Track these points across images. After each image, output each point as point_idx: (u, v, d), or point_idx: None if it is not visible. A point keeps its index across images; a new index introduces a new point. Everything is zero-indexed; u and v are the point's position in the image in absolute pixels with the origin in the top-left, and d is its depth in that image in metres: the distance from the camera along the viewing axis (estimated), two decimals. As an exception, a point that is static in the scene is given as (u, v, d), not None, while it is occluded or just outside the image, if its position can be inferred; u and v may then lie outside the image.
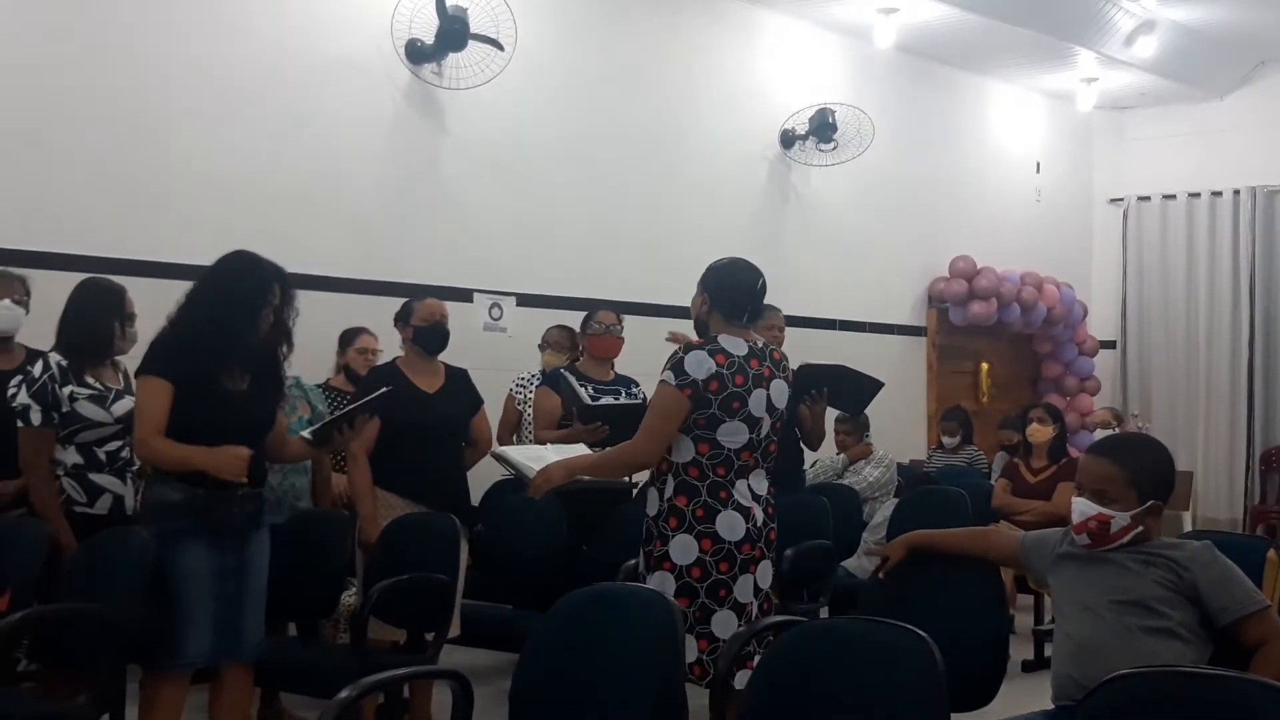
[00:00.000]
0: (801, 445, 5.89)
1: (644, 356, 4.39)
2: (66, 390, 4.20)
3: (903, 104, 9.41)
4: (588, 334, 5.67)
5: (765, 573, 3.83)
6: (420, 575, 4.30)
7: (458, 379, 5.03)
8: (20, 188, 5.59)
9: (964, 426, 8.31)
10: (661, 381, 3.75)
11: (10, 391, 4.21)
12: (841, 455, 7.24)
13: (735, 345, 3.78)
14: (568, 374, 5.43)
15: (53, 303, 4.50)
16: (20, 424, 4.18)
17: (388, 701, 4.24)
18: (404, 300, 5.11)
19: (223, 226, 5.73)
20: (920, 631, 2.48)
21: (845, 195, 9.00)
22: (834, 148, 8.57)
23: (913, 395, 9.66)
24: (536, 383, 6.12)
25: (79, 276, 4.57)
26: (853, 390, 5.80)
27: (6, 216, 5.52)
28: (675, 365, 3.72)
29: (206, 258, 4.01)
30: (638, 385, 5.64)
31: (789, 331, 5.84)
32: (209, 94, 6.17)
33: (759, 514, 3.79)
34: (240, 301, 3.83)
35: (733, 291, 3.88)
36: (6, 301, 4.54)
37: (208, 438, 3.76)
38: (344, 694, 2.63)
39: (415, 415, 4.78)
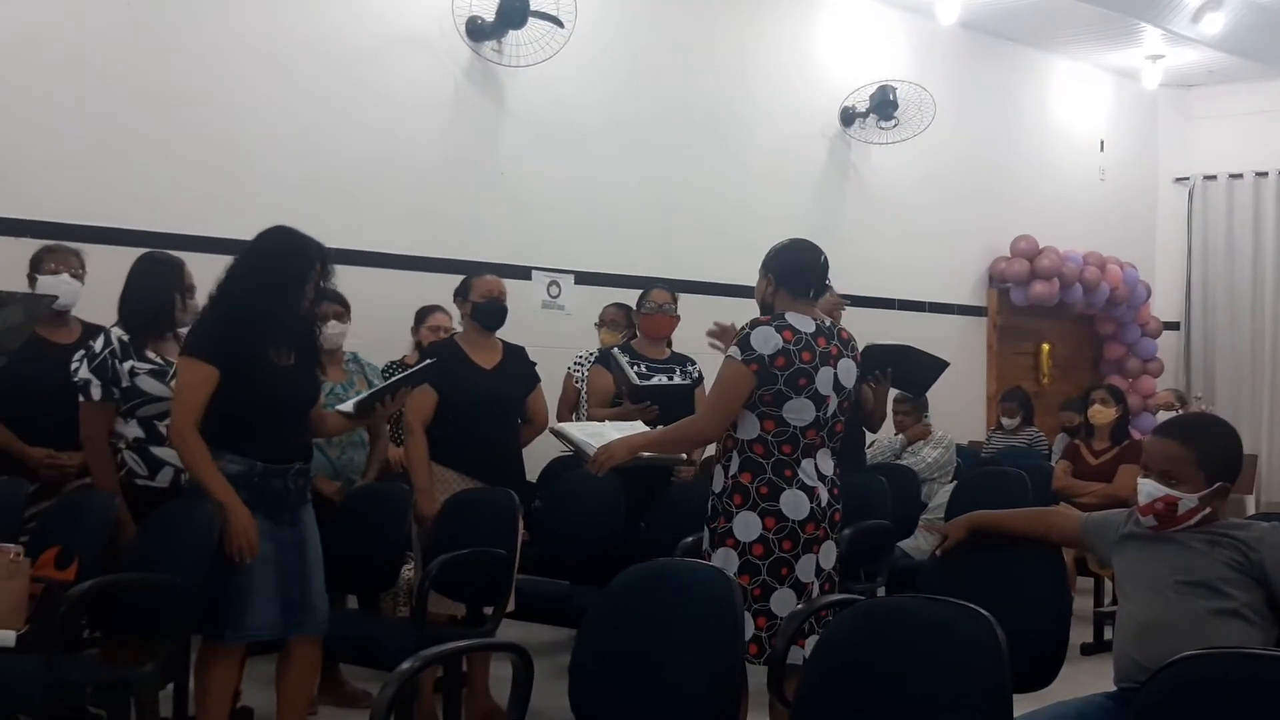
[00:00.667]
0: (862, 426, 5.86)
1: (702, 335, 4.39)
2: (127, 365, 4.24)
3: (965, 81, 9.31)
4: (641, 313, 5.64)
5: (829, 553, 3.81)
6: (479, 550, 4.33)
7: (515, 355, 5.05)
8: (77, 163, 5.67)
9: (1024, 408, 8.23)
10: (727, 357, 3.73)
11: (73, 366, 4.27)
12: (900, 436, 7.20)
13: (802, 322, 3.75)
14: (619, 353, 5.42)
15: (108, 277, 4.56)
16: (81, 398, 4.24)
17: (446, 674, 4.28)
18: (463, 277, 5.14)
19: (282, 204, 5.76)
20: (982, 610, 2.45)
21: (906, 174, 8.92)
22: (895, 125, 8.49)
23: (972, 376, 9.58)
24: (593, 360, 6.13)
25: (136, 251, 4.63)
26: (917, 371, 5.77)
27: (63, 192, 5.60)
28: (742, 341, 3.70)
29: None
30: (694, 363, 5.62)
31: (847, 311, 5.80)
32: (269, 73, 6.21)
33: (824, 494, 3.77)
34: (282, 277, 3.84)
35: (797, 268, 3.87)
36: (65, 275, 4.59)
37: (259, 416, 3.80)
38: (405, 666, 2.65)
39: (473, 391, 4.81)
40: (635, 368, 5.29)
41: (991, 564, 3.33)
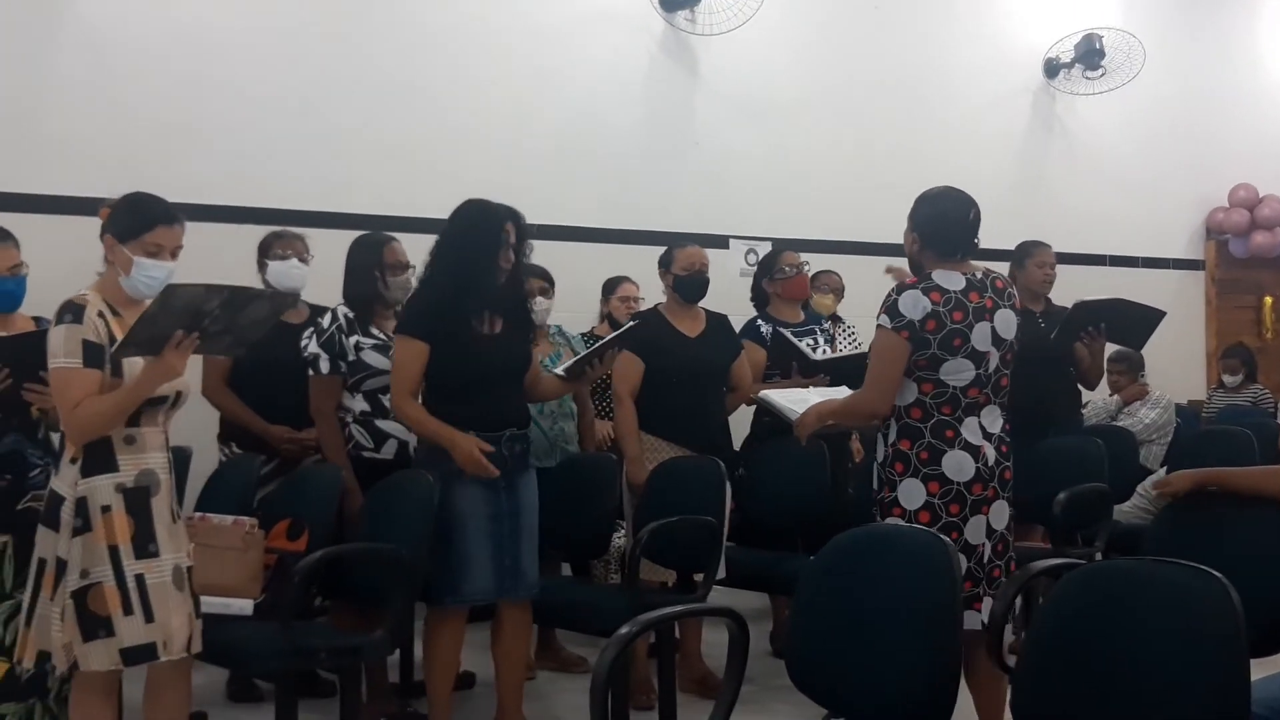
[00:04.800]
0: (1078, 385, 5.68)
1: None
2: (352, 340, 4.42)
3: (1174, 23, 8.91)
4: (778, 278, 5.44)
5: (1000, 513, 3.65)
6: (689, 517, 4.35)
7: (718, 324, 5.06)
8: (296, 152, 5.91)
9: (1247, 364, 7.88)
10: (879, 326, 3.60)
11: (302, 342, 4.47)
12: (1116, 397, 6.96)
13: (951, 280, 3.58)
14: (764, 324, 5.32)
15: (325, 260, 4.74)
16: (310, 372, 4.43)
17: (660, 640, 4.33)
18: (663, 249, 5.16)
19: (484, 183, 5.87)
20: (1215, 572, 2.35)
21: (1114, 124, 8.60)
22: (1101, 75, 8.21)
23: (1190, 333, 9.18)
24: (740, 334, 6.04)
25: (354, 234, 4.80)
26: (1133, 323, 5.54)
27: (285, 180, 5.85)
28: (890, 308, 3.56)
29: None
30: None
31: (1058, 269, 5.64)
32: (468, 53, 6.37)
33: (991, 452, 3.61)
34: (478, 247, 3.94)
35: (943, 225, 3.67)
36: (294, 260, 4.81)
37: (470, 384, 3.92)
38: (623, 630, 2.67)
39: (678, 360, 4.84)
40: (805, 342, 5.21)
41: (1219, 525, 3.19)
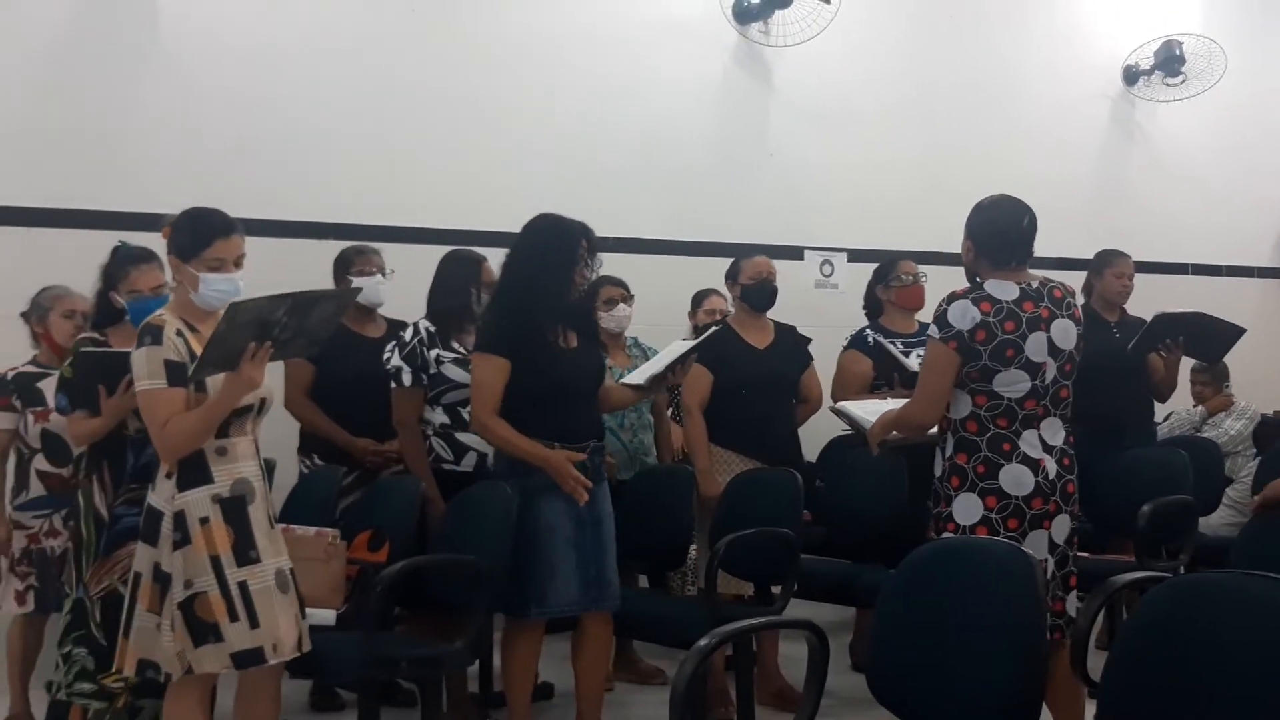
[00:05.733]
0: (1150, 398, 5.60)
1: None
2: (434, 353, 4.48)
3: (1254, 29, 8.72)
4: (892, 286, 5.42)
5: (1062, 527, 3.57)
6: (764, 529, 4.35)
7: (787, 335, 5.06)
8: (366, 168, 5.99)
9: (1336, 374, 7.69)
10: (928, 337, 3.55)
11: (385, 355, 4.53)
12: (1199, 407, 6.84)
13: (1004, 290, 3.51)
14: (875, 335, 5.27)
15: (404, 275, 4.80)
16: (393, 384, 4.49)
17: (738, 653, 4.32)
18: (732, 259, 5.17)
19: (561, 196, 5.90)
20: (1309, 586, 2.30)
21: (1196, 131, 8.44)
22: (1182, 81, 8.07)
23: (1275, 342, 8.99)
24: (846, 345, 5.98)
25: (430, 249, 4.86)
26: (1211, 338, 5.46)
27: (355, 195, 5.93)
28: (939, 318, 3.50)
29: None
30: None
31: (1139, 279, 5.56)
32: (540, 68, 6.42)
33: (1051, 465, 3.53)
34: (552, 261, 3.96)
35: (997, 234, 3.59)
36: (378, 276, 4.89)
37: (550, 397, 3.94)
38: (703, 642, 2.68)
39: (748, 371, 4.84)
40: (892, 345, 5.18)
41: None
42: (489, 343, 3.97)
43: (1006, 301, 3.49)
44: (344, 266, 4.94)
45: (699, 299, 6.02)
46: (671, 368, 4.15)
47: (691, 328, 6.05)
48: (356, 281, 4.84)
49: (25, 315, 4.67)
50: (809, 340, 5.25)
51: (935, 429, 3.66)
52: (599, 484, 4.04)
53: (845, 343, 5.44)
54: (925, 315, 5.45)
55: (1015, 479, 3.49)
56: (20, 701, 4.56)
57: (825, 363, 5.58)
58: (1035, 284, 3.58)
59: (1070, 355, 3.59)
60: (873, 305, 5.46)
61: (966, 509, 3.51)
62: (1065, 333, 3.56)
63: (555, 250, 3.97)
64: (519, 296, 3.97)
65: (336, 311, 3.37)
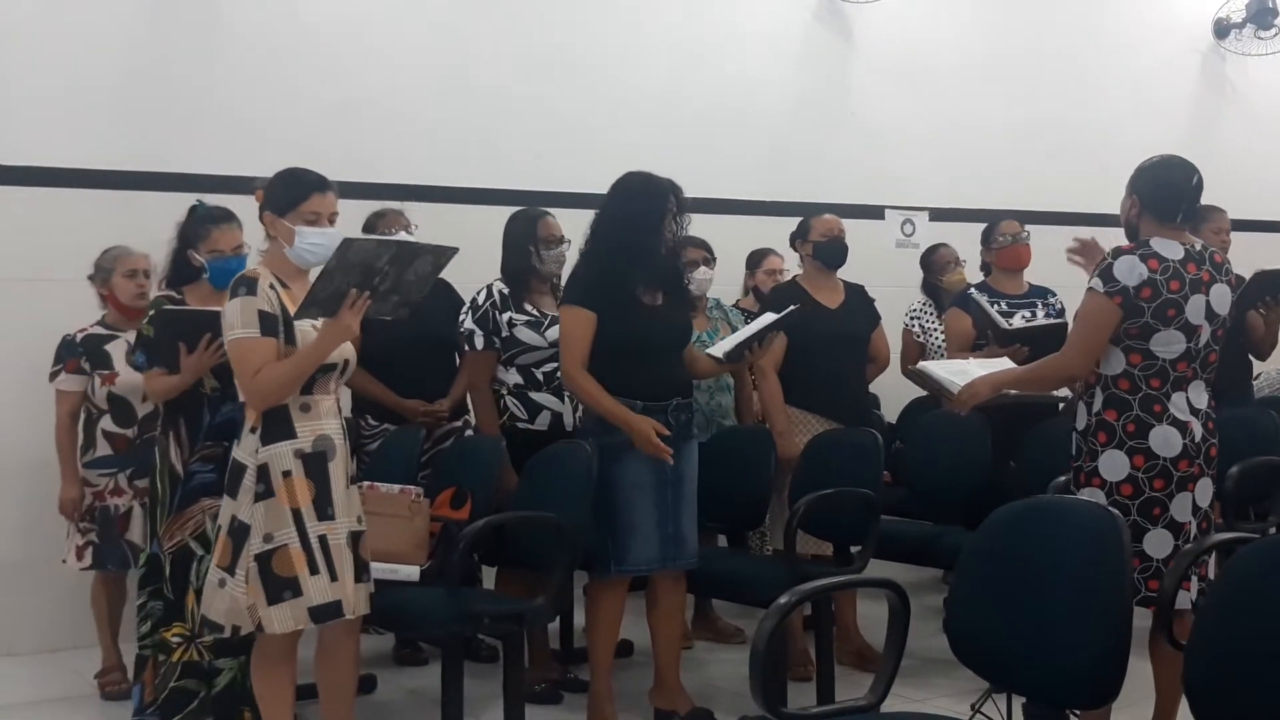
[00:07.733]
0: (1249, 356, 5.49)
1: (1060, 268, 4.26)
2: (506, 316, 4.50)
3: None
4: (994, 247, 5.41)
5: (1205, 491, 3.58)
6: (844, 490, 4.34)
7: (857, 294, 5.03)
8: (453, 129, 6.01)
9: None
10: (1089, 289, 3.52)
11: (460, 318, 4.57)
12: (1290, 367, 6.69)
13: (1169, 249, 3.50)
14: (977, 294, 5.23)
15: (483, 237, 4.81)
16: (466, 347, 4.52)
17: (817, 612, 4.33)
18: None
19: (642, 155, 5.89)
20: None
21: (1291, 85, 8.23)
22: (1275, 34, 7.86)
23: (1373, 300, 8.75)
24: (931, 310, 5.96)
25: (508, 210, 4.87)
26: (1314, 295, 5.32)
27: (441, 156, 5.96)
28: (1104, 271, 3.48)
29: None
30: (1054, 294, 5.40)
31: (1234, 236, 5.45)
32: (622, 27, 6.40)
33: (1198, 429, 3.54)
34: (642, 219, 3.97)
35: (1164, 190, 3.59)
36: (401, 235, 4.80)
37: (635, 353, 3.95)
38: (783, 600, 2.68)
39: (821, 331, 4.81)
40: (995, 306, 5.13)
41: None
42: (575, 295, 4.00)
43: (1173, 260, 3.49)
44: (369, 230, 4.91)
45: (757, 258, 5.96)
46: (749, 344, 4.14)
47: (745, 288, 6.00)
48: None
49: (91, 278, 4.69)
50: (874, 300, 5.21)
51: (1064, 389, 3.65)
52: (685, 441, 4.05)
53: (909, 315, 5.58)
54: (1033, 275, 5.49)
55: (1165, 440, 3.50)
56: (112, 654, 4.68)
57: (901, 324, 5.55)
58: (1199, 246, 3.59)
59: (1224, 321, 3.61)
60: (984, 265, 5.52)
61: (1113, 465, 3.52)
62: (1222, 298, 3.58)
63: (644, 207, 3.99)
64: (607, 251, 3.99)
65: (433, 270, 3.41)
